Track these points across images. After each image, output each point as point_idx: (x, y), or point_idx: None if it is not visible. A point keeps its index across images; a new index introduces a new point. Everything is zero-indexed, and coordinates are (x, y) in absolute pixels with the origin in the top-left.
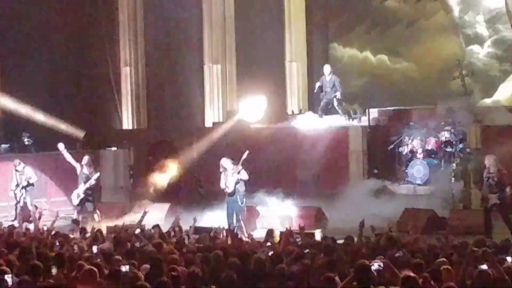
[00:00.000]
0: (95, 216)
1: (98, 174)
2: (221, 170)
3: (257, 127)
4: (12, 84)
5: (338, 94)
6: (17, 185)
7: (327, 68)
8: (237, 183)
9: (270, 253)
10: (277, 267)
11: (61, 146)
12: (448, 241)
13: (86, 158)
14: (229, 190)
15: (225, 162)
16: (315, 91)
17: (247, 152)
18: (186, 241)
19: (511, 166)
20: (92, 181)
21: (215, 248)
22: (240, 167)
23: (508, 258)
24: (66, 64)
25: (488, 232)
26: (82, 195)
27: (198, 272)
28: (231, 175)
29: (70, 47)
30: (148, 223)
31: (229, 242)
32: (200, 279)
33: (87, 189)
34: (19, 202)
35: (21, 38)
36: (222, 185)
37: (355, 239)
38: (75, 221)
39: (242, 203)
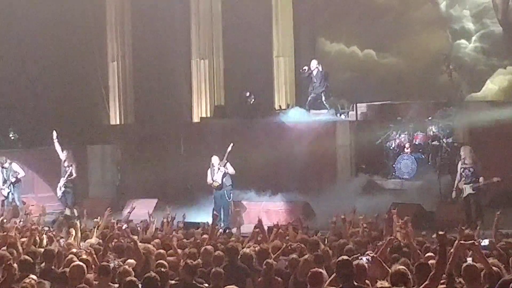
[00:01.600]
0: (74, 210)
1: (74, 166)
2: (210, 165)
3: (244, 121)
4: None
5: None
6: (5, 182)
7: (314, 63)
8: (223, 176)
9: (257, 248)
10: (265, 262)
11: (54, 134)
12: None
13: (65, 153)
14: (216, 184)
15: (214, 158)
16: (302, 70)
17: (231, 144)
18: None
19: (498, 160)
20: (71, 174)
21: (202, 244)
22: (225, 161)
23: (485, 241)
24: (53, 59)
25: (470, 223)
26: (63, 188)
27: (198, 264)
28: (217, 170)
29: (57, 42)
30: (136, 218)
31: (214, 237)
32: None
33: (66, 181)
34: (7, 198)
35: (7, 31)
36: (209, 181)
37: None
38: (66, 217)
39: (229, 198)
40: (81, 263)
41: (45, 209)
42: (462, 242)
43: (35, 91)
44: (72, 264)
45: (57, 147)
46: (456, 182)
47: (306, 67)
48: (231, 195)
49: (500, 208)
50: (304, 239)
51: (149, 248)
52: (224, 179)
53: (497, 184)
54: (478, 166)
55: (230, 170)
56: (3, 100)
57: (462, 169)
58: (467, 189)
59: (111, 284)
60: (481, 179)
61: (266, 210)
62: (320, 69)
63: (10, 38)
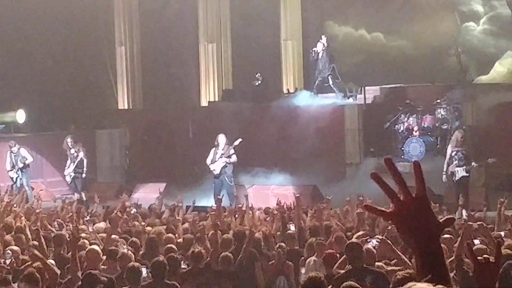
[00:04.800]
0: (83, 195)
1: (83, 150)
2: (215, 144)
3: (252, 105)
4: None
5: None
6: (13, 167)
7: (319, 46)
8: (224, 166)
9: (267, 232)
10: (278, 245)
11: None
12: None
13: (69, 140)
14: (216, 172)
15: (221, 138)
16: (312, 51)
17: (240, 140)
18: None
19: (505, 142)
20: (81, 158)
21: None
22: (232, 150)
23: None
24: (61, 44)
25: (459, 205)
26: (72, 174)
27: (202, 252)
28: (220, 156)
29: (65, 27)
30: (144, 203)
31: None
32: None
33: (76, 167)
34: (15, 183)
35: (15, 16)
36: (208, 161)
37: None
38: (79, 202)
39: (231, 182)
40: (96, 247)
41: (54, 195)
42: (470, 223)
43: (43, 75)
44: (87, 248)
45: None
46: (445, 166)
47: (315, 49)
48: (232, 179)
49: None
50: (315, 225)
51: (160, 231)
52: (224, 169)
53: (507, 168)
54: (470, 149)
55: (233, 159)
56: (12, 85)
57: (455, 152)
58: (460, 172)
59: (119, 269)
60: (473, 163)
61: (275, 193)
62: (325, 52)
63: (17, 22)
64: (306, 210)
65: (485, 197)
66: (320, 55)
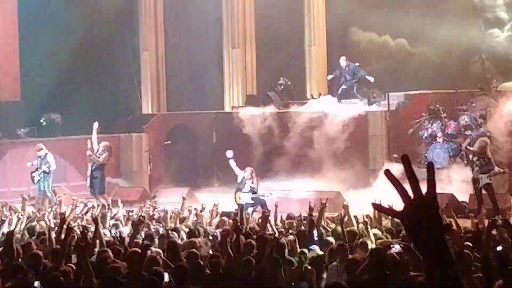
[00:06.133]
0: (102, 199)
1: (105, 155)
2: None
3: (276, 111)
4: (29, 69)
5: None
6: (37, 169)
7: (343, 60)
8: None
9: (290, 238)
10: (300, 251)
11: (95, 124)
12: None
13: (89, 143)
14: (241, 202)
15: (247, 170)
16: (329, 78)
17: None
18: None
19: None
20: (100, 160)
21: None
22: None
23: None
24: (86, 49)
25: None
26: (89, 176)
27: (220, 262)
28: (248, 189)
29: (89, 32)
30: (167, 207)
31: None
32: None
33: (92, 170)
34: (36, 184)
35: (41, 22)
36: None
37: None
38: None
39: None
40: (138, 249)
41: (77, 199)
42: (494, 218)
43: (67, 80)
44: (129, 251)
45: (94, 138)
46: (472, 173)
47: (332, 76)
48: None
49: None
50: (337, 231)
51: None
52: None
53: None
54: (494, 155)
55: (255, 184)
56: (36, 89)
57: (476, 158)
58: (484, 179)
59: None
60: (496, 168)
61: (298, 199)
62: (351, 65)
63: (43, 28)
64: (330, 216)
65: (510, 204)
66: (344, 67)
